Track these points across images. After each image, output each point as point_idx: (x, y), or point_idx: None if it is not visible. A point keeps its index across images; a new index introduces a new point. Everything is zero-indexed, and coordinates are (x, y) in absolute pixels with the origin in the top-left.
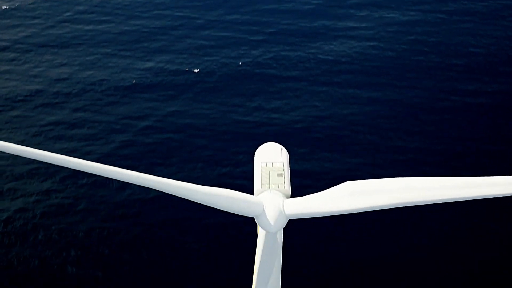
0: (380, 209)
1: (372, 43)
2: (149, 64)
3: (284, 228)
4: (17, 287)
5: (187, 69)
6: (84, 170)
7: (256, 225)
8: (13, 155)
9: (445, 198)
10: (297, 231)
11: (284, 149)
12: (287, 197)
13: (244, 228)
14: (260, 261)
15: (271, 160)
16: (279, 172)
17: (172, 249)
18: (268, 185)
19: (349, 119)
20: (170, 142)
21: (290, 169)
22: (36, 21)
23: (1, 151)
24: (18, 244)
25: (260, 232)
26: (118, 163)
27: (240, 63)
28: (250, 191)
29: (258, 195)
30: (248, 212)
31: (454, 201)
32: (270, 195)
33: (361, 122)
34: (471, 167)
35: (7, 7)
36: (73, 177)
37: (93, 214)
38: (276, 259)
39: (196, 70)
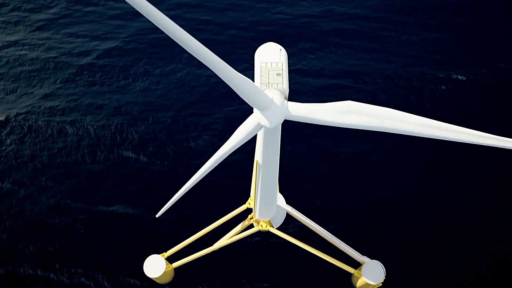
0: (371, 129)
1: None
2: None
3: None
4: (33, 174)
5: None
6: None
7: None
8: (12, 60)
9: (425, 134)
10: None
11: (283, 49)
12: (285, 96)
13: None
14: (262, 158)
15: (271, 60)
16: (278, 72)
17: (178, 146)
18: (268, 84)
19: (352, 13)
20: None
21: (290, 66)
22: None
23: None
24: (31, 137)
25: (249, 126)
26: (120, 60)
27: None
28: None
29: None
30: (258, 102)
31: (435, 138)
32: (271, 93)
33: (365, 16)
34: (470, 65)
35: None
36: (75, 77)
37: (100, 110)
38: (275, 154)
39: None
